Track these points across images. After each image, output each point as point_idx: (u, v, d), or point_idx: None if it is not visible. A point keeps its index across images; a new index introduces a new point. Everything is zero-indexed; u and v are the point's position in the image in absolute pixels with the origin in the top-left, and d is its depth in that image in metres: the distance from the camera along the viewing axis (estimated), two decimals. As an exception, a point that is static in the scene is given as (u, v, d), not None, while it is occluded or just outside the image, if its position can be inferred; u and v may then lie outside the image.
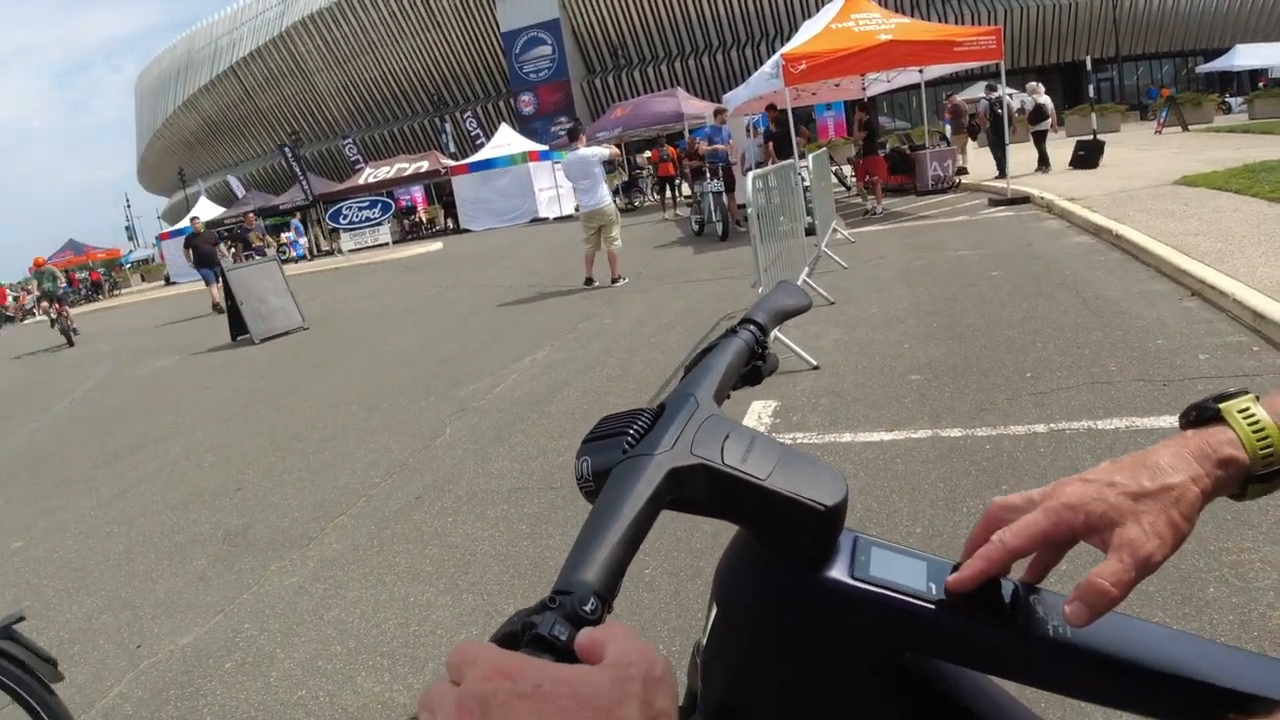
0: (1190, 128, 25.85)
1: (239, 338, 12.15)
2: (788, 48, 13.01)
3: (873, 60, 12.10)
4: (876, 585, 0.62)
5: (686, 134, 23.07)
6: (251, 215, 24.19)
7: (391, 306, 13.23)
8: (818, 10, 15.90)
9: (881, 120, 18.88)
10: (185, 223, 32.43)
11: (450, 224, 32.37)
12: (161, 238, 38.62)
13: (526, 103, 51.02)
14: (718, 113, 16.33)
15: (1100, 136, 17.87)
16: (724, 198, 14.22)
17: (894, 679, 0.64)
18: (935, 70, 15.41)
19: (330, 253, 30.43)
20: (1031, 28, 49.48)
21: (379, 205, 30.88)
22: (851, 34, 12.10)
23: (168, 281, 33.46)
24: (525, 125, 44.83)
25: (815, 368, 5.57)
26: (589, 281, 10.96)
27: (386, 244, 29.68)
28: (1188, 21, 52.50)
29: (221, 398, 8.31)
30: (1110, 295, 6.50)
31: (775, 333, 5.83)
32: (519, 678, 0.41)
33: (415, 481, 4.76)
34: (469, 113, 42.40)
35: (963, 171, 17.22)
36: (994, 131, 17.49)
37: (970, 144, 20.05)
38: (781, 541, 0.64)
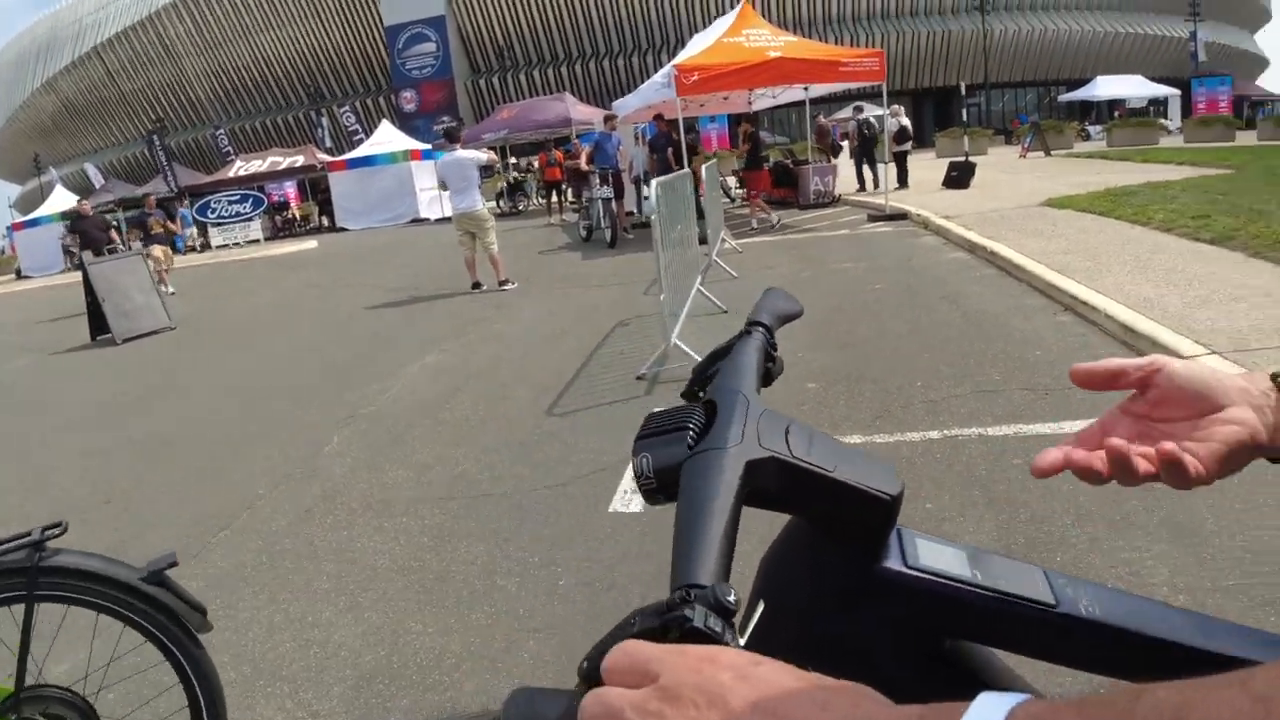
0: (1053, 153, 27.53)
1: (99, 338, 11.36)
2: (680, 58, 13.16)
3: (763, 76, 12.37)
4: (928, 573, 0.64)
5: (574, 139, 23.04)
6: (153, 198, 22.11)
7: (267, 306, 12.66)
8: (708, 23, 16.16)
9: (761, 134, 19.33)
10: (44, 210, 30.19)
11: (325, 222, 31.23)
12: (14, 228, 35.75)
13: (408, 100, 49.95)
14: (607, 119, 16.35)
15: (971, 158, 18.82)
16: (613, 205, 14.23)
17: (933, 664, 0.66)
18: (819, 89, 15.86)
19: (195, 248, 28.89)
20: (908, 53, 51.79)
21: (250, 200, 29.54)
22: (742, 49, 12.34)
23: (19, 275, 31.04)
24: (406, 123, 43.80)
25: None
26: (476, 285, 10.76)
27: (258, 240, 28.42)
28: (1052, 53, 56.04)
29: (85, 402, 7.73)
30: (989, 309, 6.81)
31: (675, 339, 5.85)
32: (738, 667, 0.42)
33: (304, 493, 4.53)
34: (347, 107, 41.09)
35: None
36: (862, 150, 18.50)
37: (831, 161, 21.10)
38: (845, 532, 0.65)
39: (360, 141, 33.40)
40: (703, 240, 9.67)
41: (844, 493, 0.63)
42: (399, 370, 7.05)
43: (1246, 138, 30.20)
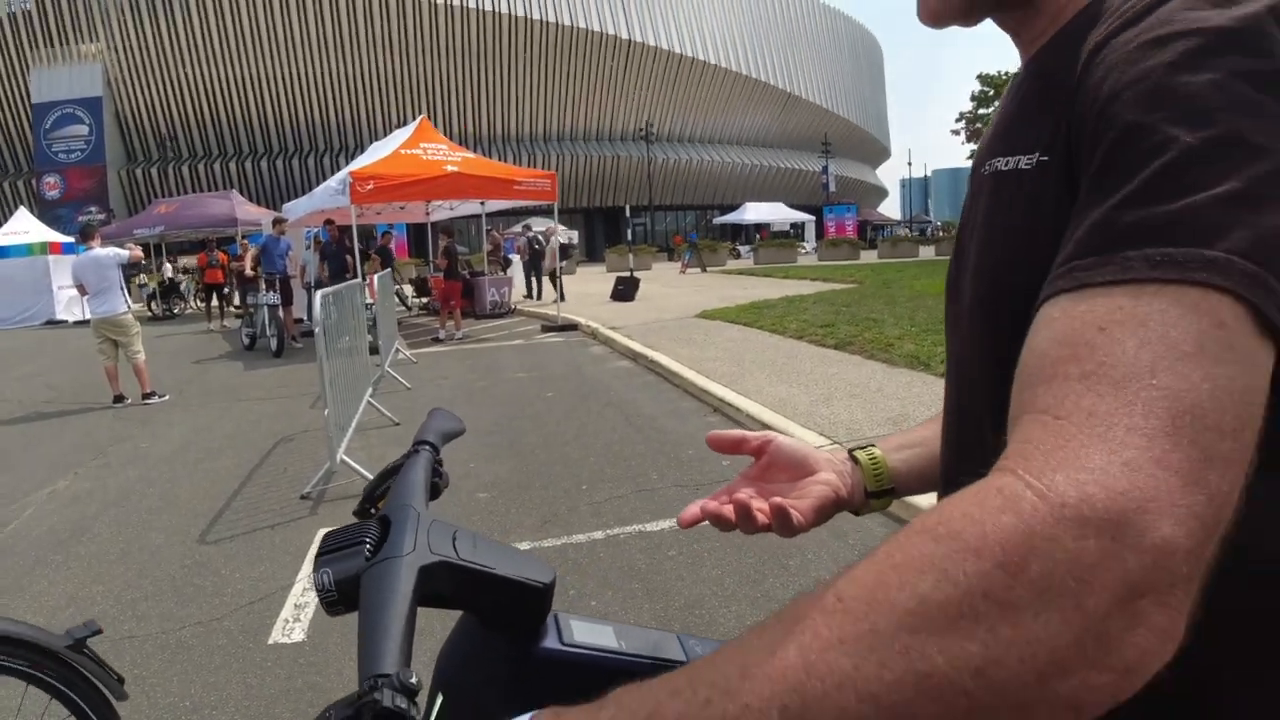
0: (709, 269, 30.41)
1: None
2: (356, 165, 13.03)
3: (440, 189, 12.58)
4: (581, 648, 0.75)
5: (240, 240, 21.76)
6: None
7: None
8: (385, 131, 16.21)
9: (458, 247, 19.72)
10: None
11: (-67, 323, 26.54)
12: None
13: (52, 185, 44.45)
14: (276, 222, 15.65)
15: (636, 273, 20.32)
16: (280, 311, 13.53)
17: None
18: (496, 203, 16.39)
19: None
20: (580, 174, 55.21)
21: None
22: (420, 161, 12.50)
23: None
24: (48, 211, 38.77)
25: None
26: (119, 399, 9.62)
27: None
28: (708, 180, 62.54)
29: None
30: (648, 413, 7.28)
31: (342, 455, 5.62)
32: None
33: None
34: (-25, 190, 35.80)
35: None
36: (532, 262, 19.78)
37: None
38: (507, 621, 0.75)
39: (-7, 228, 29.03)
40: (375, 351, 9.46)
41: (505, 586, 0.73)
42: (24, 498, 6.04)
43: (869, 256, 35.51)
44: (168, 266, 24.14)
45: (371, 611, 0.66)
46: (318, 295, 5.78)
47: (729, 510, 0.81)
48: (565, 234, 20.29)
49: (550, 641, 0.75)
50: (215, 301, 19.58)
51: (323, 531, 4.61)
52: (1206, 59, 0.50)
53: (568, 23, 54.43)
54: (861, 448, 0.95)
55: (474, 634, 0.77)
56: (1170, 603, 0.41)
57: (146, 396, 9.55)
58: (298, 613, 3.73)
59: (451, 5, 51.32)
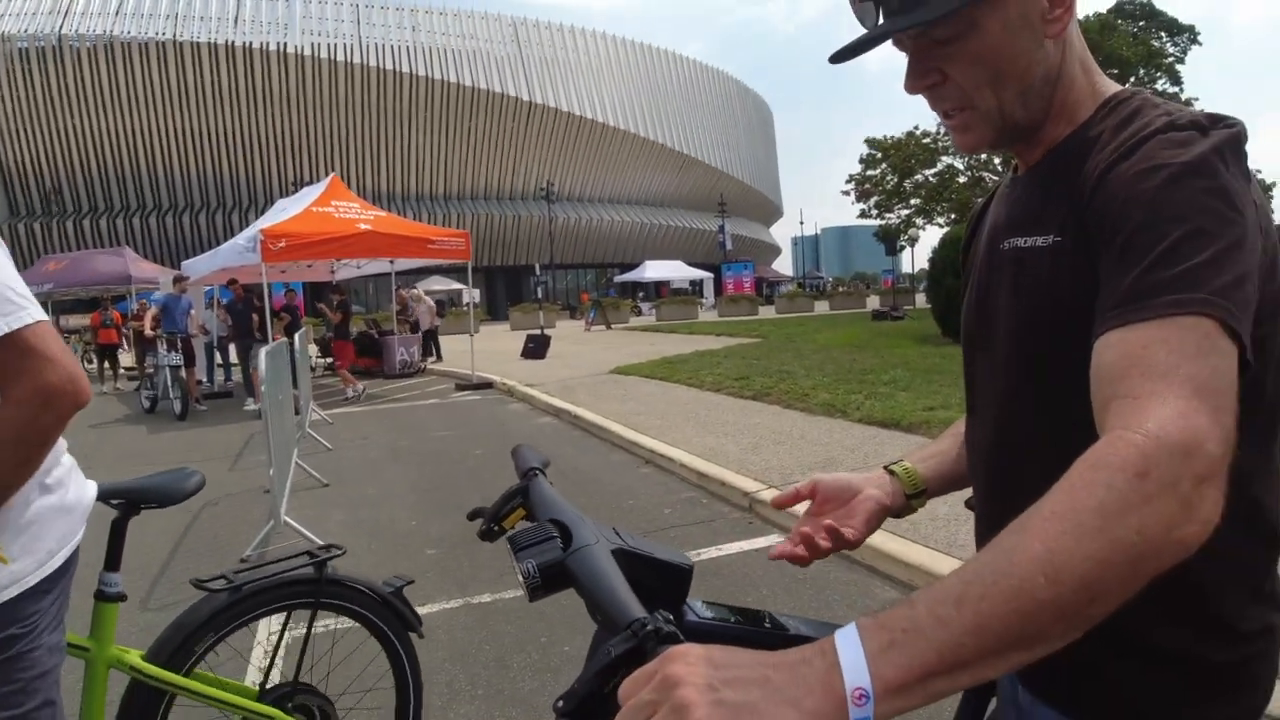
0: (613, 326, 30.74)
1: None
2: (266, 223, 12.84)
3: (353, 247, 12.49)
4: (718, 621, 0.93)
5: (133, 299, 20.93)
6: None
7: None
8: (285, 189, 16.02)
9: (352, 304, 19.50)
10: None
11: None
12: None
13: (-81, 244, 41.93)
14: (177, 280, 15.22)
15: (546, 331, 20.45)
16: (182, 372, 13.09)
17: None
18: (405, 262, 16.32)
19: None
20: (483, 232, 55.26)
21: None
22: (332, 219, 12.42)
23: None
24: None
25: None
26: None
27: None
28: (609, 239, 63.33)
29: None
30: (582, 467, 7.39)
31: (285, 517, 5.53)
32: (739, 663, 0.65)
33: None
34: None
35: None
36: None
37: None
38: (660, 596, 0.87)
39: None
40: (297, 411, 9.30)
41: (663, 567, 0.92)
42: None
43: (767, 311, 36.48)
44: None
45: (598, 582, 0.84)
46: (262, 352, 5.72)
47: (801, 550, 1.11)
48: (468, 293, 20.62)
49: (692, 617, 0.93)
50: (108, 364, 18.72)
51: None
52: (1179, 181, 0.83)
53: (469, 83, 54.96)
54: (896, 463, 1.26)
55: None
56: (1218, 484, 0.71)
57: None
58: (260, 676, 3.68)
59: (352, 63, 51.20)
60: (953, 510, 4.82)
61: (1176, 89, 32.48)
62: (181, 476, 2.34)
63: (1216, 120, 0.88)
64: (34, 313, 1.48)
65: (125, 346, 19.34)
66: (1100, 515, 0.67)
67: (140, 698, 2.21)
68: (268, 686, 2.41)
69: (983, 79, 0.97)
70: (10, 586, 1.54)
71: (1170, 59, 33.23)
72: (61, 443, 1.66)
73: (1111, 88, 1.02)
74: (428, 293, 26.14)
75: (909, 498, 1.22)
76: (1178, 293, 0.78)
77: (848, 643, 0.64)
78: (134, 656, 2.19)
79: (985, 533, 1.15)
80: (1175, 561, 0.69)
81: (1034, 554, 0.66)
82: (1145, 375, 0.76)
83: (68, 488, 1.70)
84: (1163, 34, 33.46)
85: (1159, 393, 0.74)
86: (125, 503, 2.22)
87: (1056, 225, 0.95)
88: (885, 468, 1.25)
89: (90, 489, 1.81)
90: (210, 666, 2.34)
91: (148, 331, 14.66)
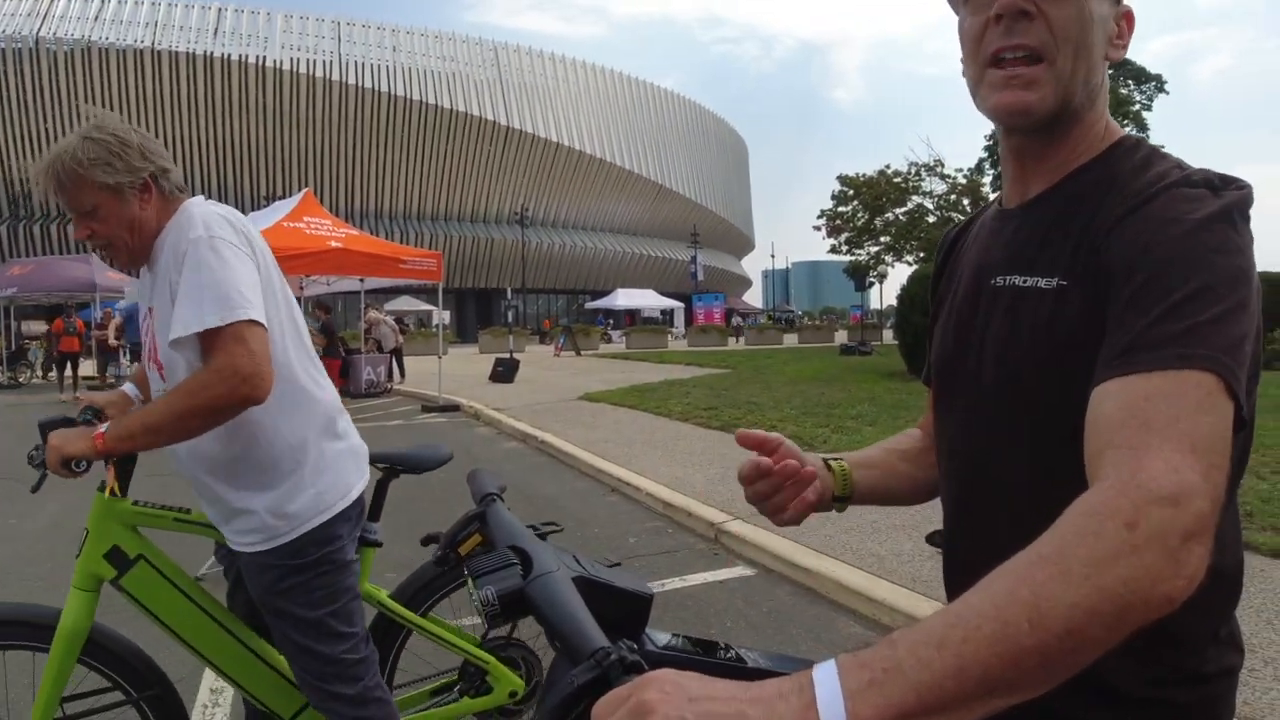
0: (583, 353, 30.70)
1: None
2: (234, 238, 12.69)
3: (325, 264, 12.40)
4: (677, 651, 0.93)
5: (97, 307, 20.55)
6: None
7: None
8: (256, 202, 15.88)
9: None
10: None
11: None
12: None
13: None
14: (142, 292, 14.98)
15: (515, 355, 20.37)
16: (146, 385, 12.87)
17: None
18: (375, 281, 16.21)
19: None
20: (454, 254, 55.10)
21: None
22: (303, 235, 12.32)
23: None
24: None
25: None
26: (-36, 475, 8.90)
27: None
28: (582, 265, 63.41)
29: None
30: (547, 493, 7.34)
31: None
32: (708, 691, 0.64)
33: None
34: None
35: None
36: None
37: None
38: (619, 625, 0.88)
39: None
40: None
41: (623, 595, 0.92)
42: None
43: (737, 343, 36.59)
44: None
45: (559, 610, 0.84)
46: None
47: (768, 461, 1.12)
48: (439, 314, 20.30)
49: (650, 646, 0.92)
50: (70, 371, 18.36)
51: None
52: (1189, 238, 0.86)
53: (448, 105, 55.04)
54: (836, 459, 1.23)
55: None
56: (1205, 541, 0.71)
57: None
58: (215, 696, 3.60)
59: (331, 80, 51.13)
60: (917, 546, 4.84)
61: (1142, 135, 33.28)
62: (434, 449, 2.82)
63: (1228, 181, 0.90)
64: (251, 312, 1.82)
65: (87, 355, 18.99)
66: (1088, 563, 0.67)
67: (382, 628, 2.63)
68: (489, 636, 2.74)
69: (1073, 35, 0.95)
70: (325, 512, 2.08)
71: (1138, 106, 34.11)
72: (339, 402, 2.23)
73: (1120, 130, 1.04)
74: (398, 312, 26.03)
75: (835, 499, 1.20)
76: (1183, 347, 0.79)
77: (826, 680, 0.63)
78: (382, 594, 2.63)
79: (954, 571, 1.15)
80: (1160, 615, 0.68)
81: (1020, 599, 0.66)
82: (1143, 427, 0.76)
83: (352, 437, 2.24)
84: (1130, 82, 34.32)
85: (1155, 446, 0.74)
86: (389, 466, 2.68)
87: (1062, 268, 0.96)
88: (825, 460, 1.22)
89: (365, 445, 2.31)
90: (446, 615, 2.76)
91: (111, 341, 14.45)
